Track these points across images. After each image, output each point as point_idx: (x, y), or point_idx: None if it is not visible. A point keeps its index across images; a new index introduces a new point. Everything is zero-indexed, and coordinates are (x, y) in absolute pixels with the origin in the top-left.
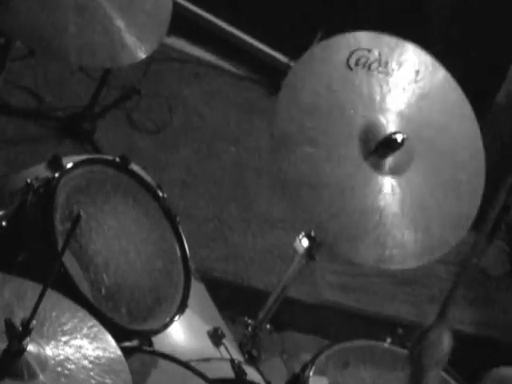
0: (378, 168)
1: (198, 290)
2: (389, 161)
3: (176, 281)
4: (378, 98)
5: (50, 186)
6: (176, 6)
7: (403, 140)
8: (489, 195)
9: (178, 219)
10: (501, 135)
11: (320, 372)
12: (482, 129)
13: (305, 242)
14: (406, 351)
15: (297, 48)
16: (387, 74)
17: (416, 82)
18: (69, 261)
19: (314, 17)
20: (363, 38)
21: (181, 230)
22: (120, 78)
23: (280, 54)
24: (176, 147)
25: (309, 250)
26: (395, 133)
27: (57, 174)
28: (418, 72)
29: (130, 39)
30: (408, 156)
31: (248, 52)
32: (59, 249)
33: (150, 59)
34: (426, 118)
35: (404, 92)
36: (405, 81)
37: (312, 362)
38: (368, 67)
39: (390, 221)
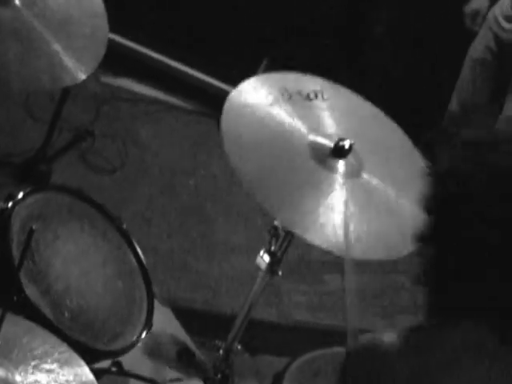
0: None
1: (164, 313)
2: (342, 165)
3: (139, 300)
4: (308, 122)
5: (3, 216)
6: (121, 46)
7: (351, 146)
8: None
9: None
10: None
11: (292, 382)
12: None
13: (266, 258)
14: None
15: (243, 77)
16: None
17: (324, 100)
18: (29, 287)
19: (258, 45)
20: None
21: (138, 249)
22: (72, 120)
23: (227, 84)
24: (133, 184)
25: (271, 265)
26: (342, 139)
27: (10, 204)
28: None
29: (69, 61)
30: (357, 160)
31: (196, 86)
32: (19, 276)
33: (102, 101)
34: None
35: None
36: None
37: (283, 372)
38: (289, 98)
39: (359, 213)
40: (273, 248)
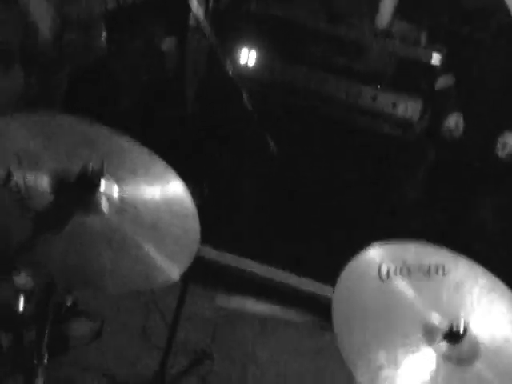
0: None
1: None
2: (457, 351)
3: None
4: (422, 301)
5: None
6: (231, 267)
7: (465, 329)
8: None
9: None
10: None
11: None
12: None
13: None
14: None
15: None
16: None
17: (444, 274)
18: None
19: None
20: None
21: None
22: (188, 343)
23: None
24: None
25: None
26: (457, 323)
27: None
28: (443, 266)
29: (162, 261)
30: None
31: (312, 298)
32: None
33: (218, 322)
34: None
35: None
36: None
37: None
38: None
39: None
40: None
